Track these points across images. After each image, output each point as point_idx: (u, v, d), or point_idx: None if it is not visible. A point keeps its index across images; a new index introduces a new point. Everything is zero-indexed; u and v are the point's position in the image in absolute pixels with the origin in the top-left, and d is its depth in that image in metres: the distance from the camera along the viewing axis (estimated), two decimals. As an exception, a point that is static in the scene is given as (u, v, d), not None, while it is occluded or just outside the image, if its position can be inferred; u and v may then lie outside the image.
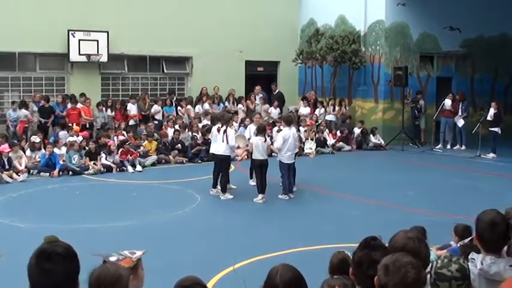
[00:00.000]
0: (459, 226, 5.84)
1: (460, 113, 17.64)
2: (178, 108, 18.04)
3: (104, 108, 16.94)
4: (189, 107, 18.11)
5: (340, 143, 17.72)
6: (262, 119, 13.90)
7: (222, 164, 11.08)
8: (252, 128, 12.40)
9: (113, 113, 17.12)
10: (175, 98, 18.40)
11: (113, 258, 2.77)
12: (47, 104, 16.07)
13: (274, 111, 18.51)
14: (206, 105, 18.21)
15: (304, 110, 18.83)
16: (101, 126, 16.44)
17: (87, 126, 16.37)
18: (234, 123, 13.34)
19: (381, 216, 9.63)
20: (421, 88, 19.26)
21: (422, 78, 19.53)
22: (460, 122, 17.55)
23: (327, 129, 18.02)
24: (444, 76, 19.85)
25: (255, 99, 19.33)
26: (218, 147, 10.98)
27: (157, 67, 19.17)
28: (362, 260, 2.55)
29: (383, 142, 18.03)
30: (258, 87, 19.48)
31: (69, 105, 16.41)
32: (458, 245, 5.27)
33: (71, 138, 14.52)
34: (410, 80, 18.27)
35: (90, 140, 14.91)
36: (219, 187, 11.28)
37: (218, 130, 11.00)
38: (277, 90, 20.06)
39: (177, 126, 16.44)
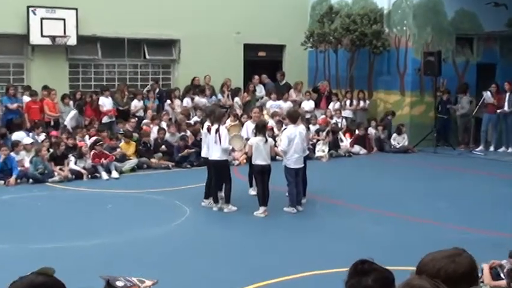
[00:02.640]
0: None
1: (506, 107, 17.66)
2: (168, 101, 18.05)
3: (71, 102, 16.96)
4: (176, 100, 18.12)
5: (355, 146, 17.76)
6: (261, 114, 13.88)
7: (220, 170, 11.02)
8: (250, 125, 12.28)
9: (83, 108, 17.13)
10: (158, 90, 18.34)
11: (119, 283, 2.97)
12: None
13: (284, 106, 18.08)
14: (201, 99, 18.17)
15: (308, 105, 18.79)
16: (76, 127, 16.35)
17: (52, 123, 16.36)
18: (229, 120, 13.26)
19: (407, 232, 9.72)
20: (458, 77, 19.28)
21: (459, 65, 19.57)
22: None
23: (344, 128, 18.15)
24: (486, 62, 19.88)
25: (256, 91, 19.38)
26: (211, 150, 10.94)
27: (138, 52, 19.26)
28: None
29: (407, 143, 18.10)
30: (256, 77, 19.53)
31: (25, 98, 16.32)
32: (505, 270, 5.35)
33: (29, 140, 14.39)
34: (444, 68, 18.30)
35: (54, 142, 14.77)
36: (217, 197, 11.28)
37: (209, 129, 10.95)
38: (284, 81, 20.10)
39: (163, 124, 16.47)
